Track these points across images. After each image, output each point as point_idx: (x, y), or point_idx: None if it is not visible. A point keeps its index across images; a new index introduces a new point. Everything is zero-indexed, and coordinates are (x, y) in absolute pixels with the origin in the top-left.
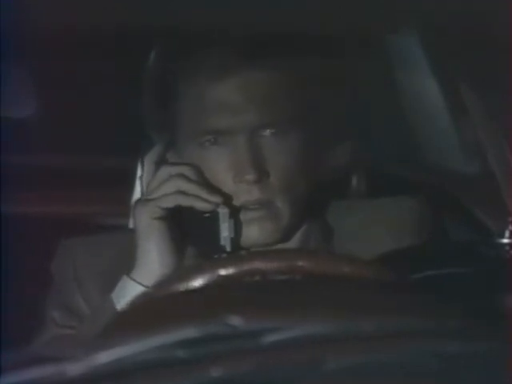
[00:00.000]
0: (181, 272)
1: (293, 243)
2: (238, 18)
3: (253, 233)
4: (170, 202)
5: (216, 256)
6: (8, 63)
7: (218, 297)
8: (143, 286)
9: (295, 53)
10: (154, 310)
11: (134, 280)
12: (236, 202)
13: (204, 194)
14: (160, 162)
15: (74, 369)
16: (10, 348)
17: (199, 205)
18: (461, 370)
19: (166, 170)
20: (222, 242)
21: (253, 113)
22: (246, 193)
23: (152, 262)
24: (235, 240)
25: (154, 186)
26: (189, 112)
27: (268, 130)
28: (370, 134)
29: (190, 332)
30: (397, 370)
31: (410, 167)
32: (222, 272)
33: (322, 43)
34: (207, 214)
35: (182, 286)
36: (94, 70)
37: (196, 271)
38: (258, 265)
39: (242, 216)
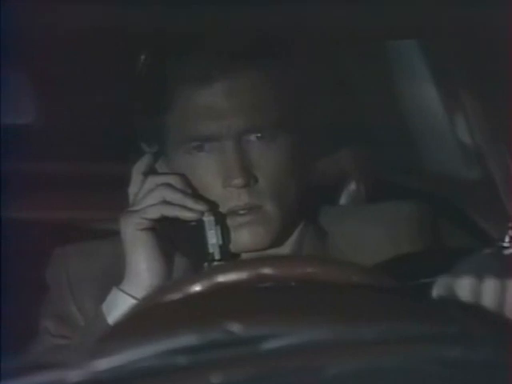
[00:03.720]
0: (181, 279)
1: (287, 246)
2: (224, 23)
3: (243, 238)
4: (154, 213)
5: (206, 264)
6: (8, 69)
7: (217, 303)
8: (133, 297)
9: (282, 57)
10: (154, 316)
11: (124, 291)
12: (225, 208)
13: (189, 203)
14: (148, 173)
15: (73, 376)
16: (10, 355)
17: (184, 214)
18: (462, 376)
19: (152, 181)
20: (211, 250)
21: (239, 117)
22: (235, 198)
23: (140, 273)
24: (224, 247)
25: (140, 196)
26: (176, 119)
27: (255, 135)
28: (369, 139)
29: (189, 339)
30: (397, 376)
31: (410, 172)
32: (222, 278)
33: (314, 47)
34: (194, 223)
35: (182, 293)
36: (94, 75)
37: (196, 278)
38: (263, 271)
39: (232, 221)
